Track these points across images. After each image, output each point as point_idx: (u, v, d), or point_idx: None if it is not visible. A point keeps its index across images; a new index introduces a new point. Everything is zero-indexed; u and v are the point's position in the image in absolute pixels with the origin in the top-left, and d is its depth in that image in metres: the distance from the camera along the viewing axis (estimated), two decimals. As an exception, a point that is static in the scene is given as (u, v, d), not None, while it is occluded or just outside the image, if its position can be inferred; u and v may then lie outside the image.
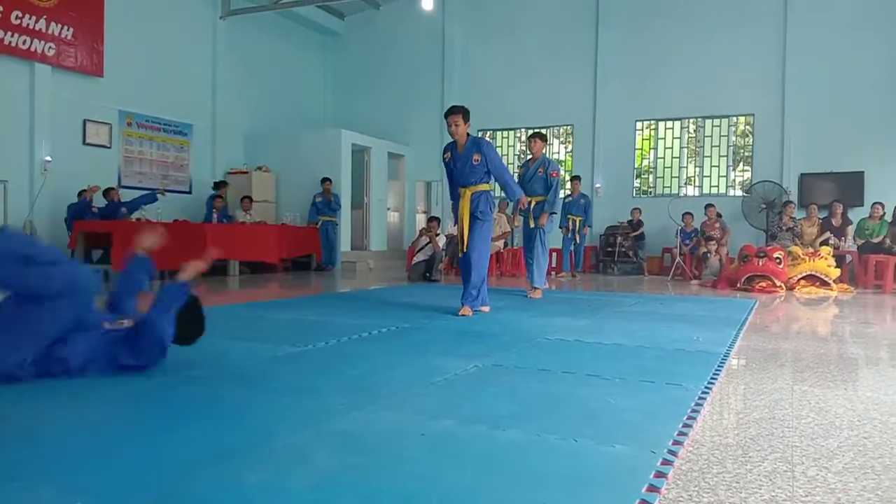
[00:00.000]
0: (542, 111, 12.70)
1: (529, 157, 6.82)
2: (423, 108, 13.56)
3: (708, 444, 1.99)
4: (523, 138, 12.89)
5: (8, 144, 8.76)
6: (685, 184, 12.07)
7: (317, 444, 1.89)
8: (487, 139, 5.38)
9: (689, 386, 2.66)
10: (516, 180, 6.08)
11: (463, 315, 4.89)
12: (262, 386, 2.63)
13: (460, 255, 5.27)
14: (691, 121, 11.96)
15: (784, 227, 9.59)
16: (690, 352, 3.51)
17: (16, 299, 2.52)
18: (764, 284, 7.77)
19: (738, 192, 11.44)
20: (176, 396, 2.46)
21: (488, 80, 13.09)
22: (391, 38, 13.94)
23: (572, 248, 10.45)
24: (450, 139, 5.23)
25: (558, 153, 13.01)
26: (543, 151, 6.75)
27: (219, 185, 10.83)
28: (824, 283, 7.91)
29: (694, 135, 12.02)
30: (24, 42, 8.76)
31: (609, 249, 11.10)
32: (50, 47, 9.07)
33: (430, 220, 9.76)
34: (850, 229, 9.44)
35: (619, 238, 10.97)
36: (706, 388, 2.65)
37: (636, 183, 12.33)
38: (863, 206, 10.00)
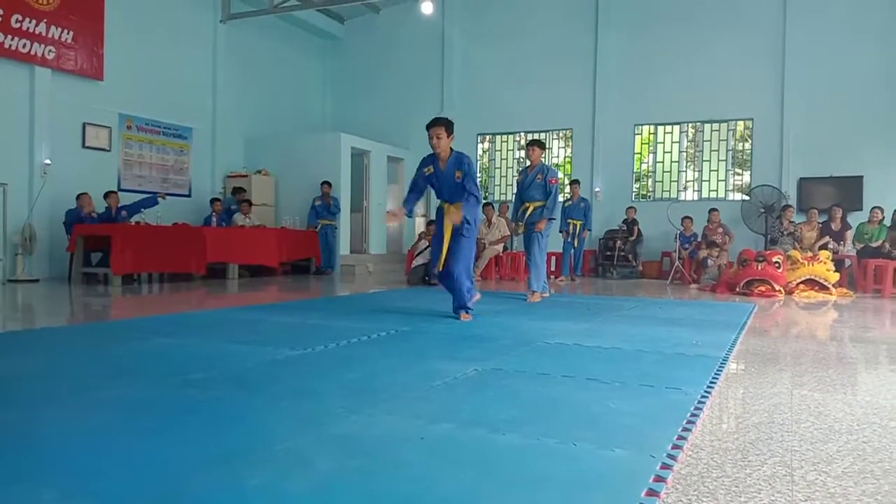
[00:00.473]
0: (541, 115, 12.72)
1: (528, 164, 6.80)
2: (423, 111, 13.46)
3: (707, 448, 1.99)
4: (522, 142, 12.90)
5: (8, 148, 8.76)
6: (684, 188, 12.09)
7: (316, 448, 1.89)
8: (468, 155, 5.11)
9: (688, 390, 2.66)
10: (515, 187, 6.03)
11: (465, 320, 4.87)
12: (262, 389, 2.63)
13: (438, 269, 4.96)
14: (690, 125, 11.98)
15: (785, 232, 9.60)
16: (690, 356, 3.51)
17: None
18: (763, 289, 7.77)
19: (738, 197, 11.45)
20: (176, 399, 2.46)
21: (488, 84, 13.11)
22: (391, 42, 13.97)
23: (572, 251, 10.46)
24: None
25: (557, 157, 13.03)
26: (542, 159, 6.75)
27: (237, 191, 11.09)
28: (823, 288, 7.91)
29: (693, 139, 12.04)
30: (24, 45, 8.77)
31: (608, 253, 11.10)
32: (50, 51, 9.08)
33: (430, 223, 9.77)
34: (850, 233, 9.45)
35: (619, 242, 10.97)
36: (705, 392, 2.65)
37: (635, 187, 12.35)
38: (862, 210, 10.01)
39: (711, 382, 2.84)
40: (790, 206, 10.07)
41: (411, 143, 13.73)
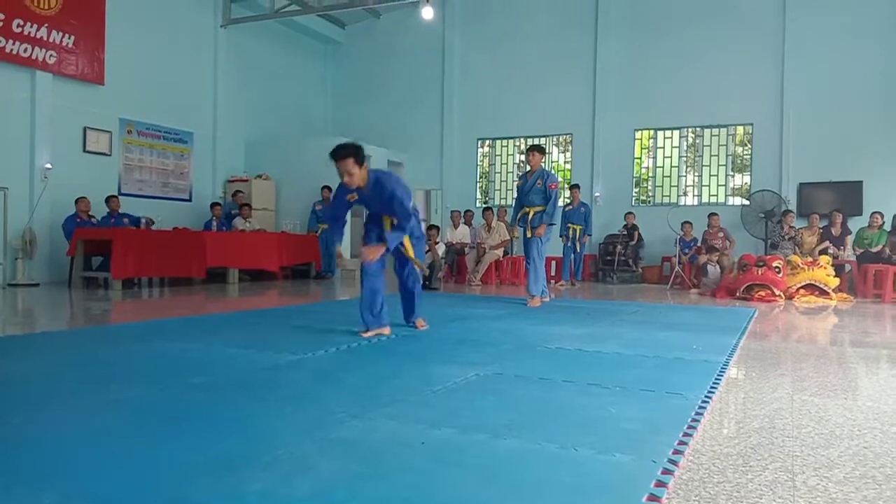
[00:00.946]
0: (541, 120, 12.75)
1: (528, 169, 6.80)
2: (423, 116, 13.61)
3: (708, 453, 1.99)
4: (523, 147, 12.92)
5: (8, 152, 8.78)
6: (684, 193, 12.10)
7: (318, 452, 1.89)
8: (389, 171, 4.59)
9: (689, 395, 2.66)
10: (515, 192, 5.95)
11: (421, 328, 4.59)
12: (263, 393, 2.63)
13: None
14: (690, 130, 12.00)
15: (786, 237, 9.61)
16: (690, 361, 3.51)
17: None
18: (763, 294, 7.77)
19: (737, 201, 11.46)
20: (176, 403, 2.46)
21: (488, 89, 13.14)
22: (391, 47, 14.00)
23: (572, 256, 10.46)
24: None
25: (557, 162, 13.05)
26: (542, 164, 6.76)
27: (237, 195, 11.19)
28: (823, 293, 7.91)
29: (693, 143, 12.05)
30: (25, 50, 8.80)
31: (608, 258, 11.10)
32: (51, 55, 9.10)
33: (430, 228, 9.78)
34: (849, 239, 9.45)
35: (619, 247, 10.97)
36: (706, 397, 2.65)
37: (635, 192, 12.36)
38: (862, 215, 10.02)
39: (712, 387, 2.84)
40: (790, 210, 10.08)
41: (411, 148, 13.76)
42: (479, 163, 13.55)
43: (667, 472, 1.76)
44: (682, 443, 2.02)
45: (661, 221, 10.74)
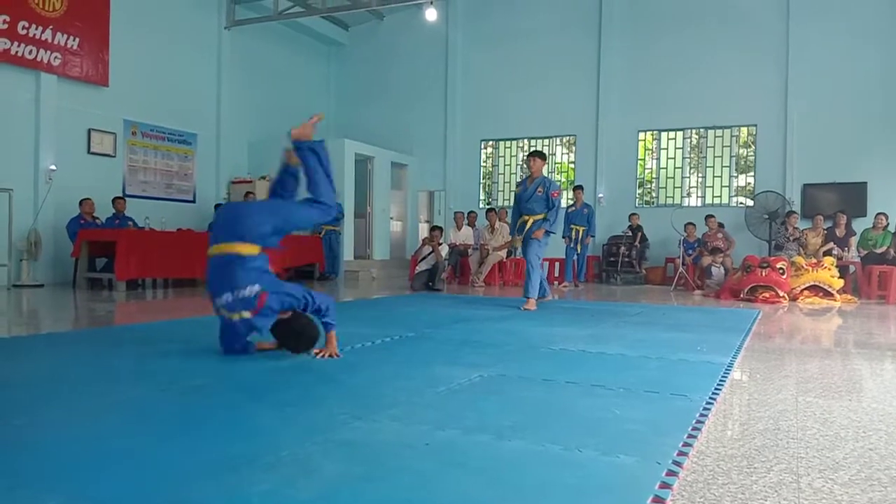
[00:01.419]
0: (544, 121, 12.75)
1: (528, 175, 6.64)
2: (427, 118, 13.61)
3: (713, 455, 1.98)
4: (526, 148, 12.92)
5: (13, 153, 8.80)
6: (688, 194, 12.08)
7: (321, 454, 1.89)
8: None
9: (693, 396, 2.65)
10: (513, 198, 5.84)
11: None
12: (266, 395, 2.63)
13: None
14: (694, 131, 11.98)
15: (790, 238, 9.59)
16: (694, 362, 3.50)
17: None
18: (767, 295, 7.75)
19: (741, 202, 11.44)
20: (180, 406, 2.47)
21: (491, 90, 13.14)
22: (395, 49, 14.02)
23: (575, 258, 10.44)
24: None
25: (562, 162, 13.04)
26: (544, 172, 6.61)
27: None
28: (828, 294, 7.89)
29: (697, 145, 12.03)
30: (30, 52, 8.83)
31: (612, 259, 11.09)
32: (56, 57, 9.13)
33: (433, 229, 9.78)
34: (854, 240, 9.42)
35: (622, 248, 10.95)
36: (710, 398, 2.64)
37: (638, 193, 12.34)
38: (866, 216, 9.99)
39: (716, 389, 2.83)
40: (794, 212, 10.05)
41: (415, 149, 13.78)
42: (482, 164, 13.56)
43: (671, 473, 1.75)
44: (686, 444, 2.01)
45: (664, 222, 10.72)
